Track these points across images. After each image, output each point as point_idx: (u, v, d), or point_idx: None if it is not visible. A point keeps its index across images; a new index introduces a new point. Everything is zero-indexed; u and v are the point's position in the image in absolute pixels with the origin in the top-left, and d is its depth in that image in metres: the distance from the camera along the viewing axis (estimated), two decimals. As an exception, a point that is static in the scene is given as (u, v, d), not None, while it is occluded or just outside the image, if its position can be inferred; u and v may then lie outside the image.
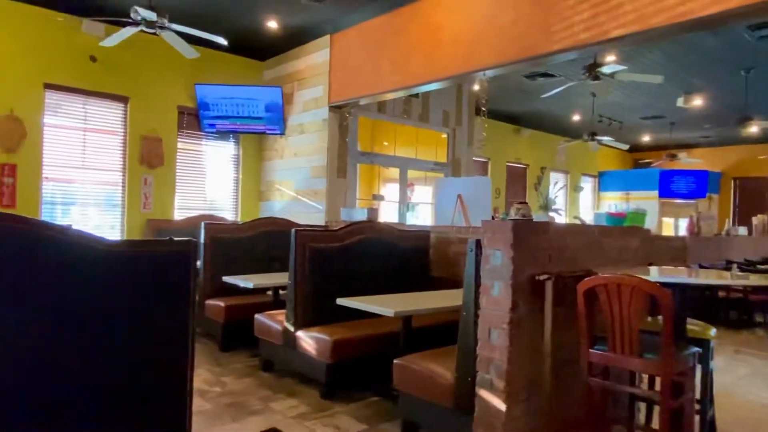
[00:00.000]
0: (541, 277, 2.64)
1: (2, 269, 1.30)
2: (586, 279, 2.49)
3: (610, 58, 6.44)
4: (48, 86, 5.90)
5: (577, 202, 13.34)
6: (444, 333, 3.48)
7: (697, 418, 2.86)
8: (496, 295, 2.62)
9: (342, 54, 6.06)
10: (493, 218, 7.10)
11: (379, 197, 7.31)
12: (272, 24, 6.09)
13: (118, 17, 5.09)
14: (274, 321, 4.05)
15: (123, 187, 6.45)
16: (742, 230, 9.94)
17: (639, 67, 6.94)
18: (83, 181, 6.24)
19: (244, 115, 6.81)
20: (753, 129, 8.73)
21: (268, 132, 6.99)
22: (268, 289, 4.62)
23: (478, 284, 2.74)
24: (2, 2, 5.56)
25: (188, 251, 1.57)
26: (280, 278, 4.31)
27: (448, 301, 3.59)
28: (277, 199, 7.13)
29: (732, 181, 13.44)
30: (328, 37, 6.28)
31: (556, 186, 12.01)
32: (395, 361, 3.11)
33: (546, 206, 10.27)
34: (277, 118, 6.84)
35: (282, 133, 6.94)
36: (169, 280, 1.56)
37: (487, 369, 2.63)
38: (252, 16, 5.96)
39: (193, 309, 1.61)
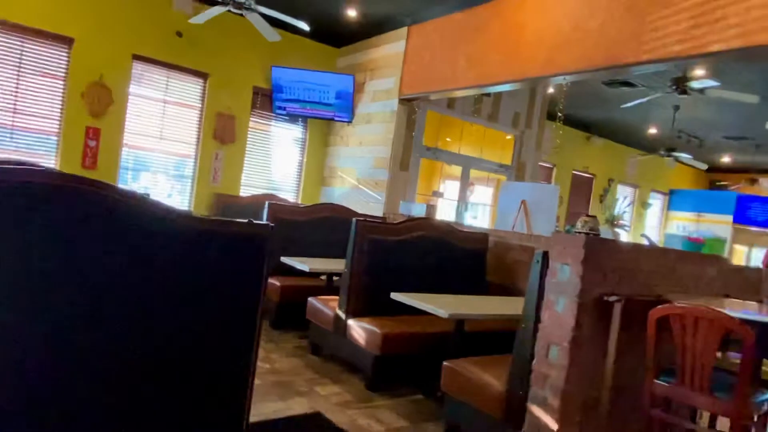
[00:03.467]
0: (611, 299, 2.53)
1: (86, 235, 1.33)
2: (660, 306, 2.36)
3: (701, 72, 6.06)
4: (136, 57, 6.19)
5: (644, 218, 12.73)
6: (495, 340, 3.42)
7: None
8: (560, 311, 2.54)
9: (418, 47, 6.01)
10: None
11: (438, 194, 7.25)
12: (352, 12, 6.12)
13: (208, -5, 5.26)
14: (326, 306, 4.10)
15: (195, 159, 6.71)
16: (827, 268, 9.18)
17: (732, 83, 6.49)
18: (158, 151, 6.53)
19: (315, 100, 6.91)
20: None
21: (336, 119, 7.06)
22: (323, 273, 4.68)
23: (540, 297, 2.66)
24: (102, -24, 5.88)
25: (266, 235, 1.59)
26: (336, 264, 4.36)
27: (503, 309, 3.52)
28: (338, 186, 7.21)
29: (818, 214, 12.41)
30: (405, 28, 6.24)
31: (625, 201, 11.49)
32: (445, 362, 3.08)
33: (612, 220, 9.87)
34: (347, 105, 6.89)
35: (350, 121, 7.00)
36: (243, 263, 1.59)
37: (542, 385, 2.55)
38: (333, 3, 6.01)
39: (264, 293, 1.64)
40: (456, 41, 5.46)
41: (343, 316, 3.87)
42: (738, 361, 2.20)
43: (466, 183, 7.19)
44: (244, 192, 7.06)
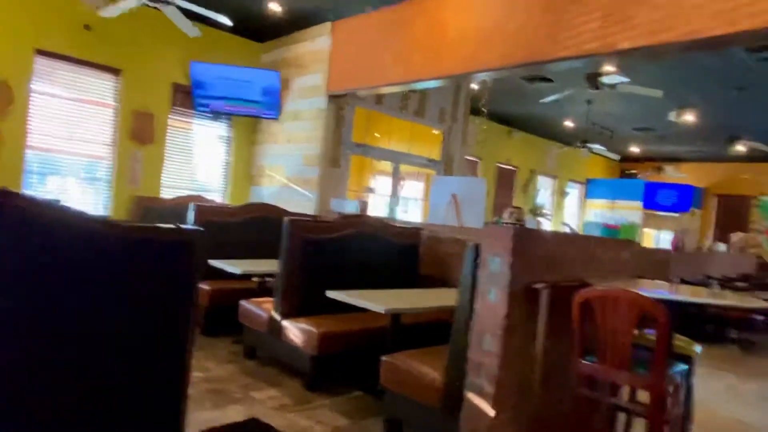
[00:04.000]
0: (538, 286, 2.64)
1: None
2: (582, 290, 2.49)
3: (611, 68, 6.47)
4: (39, 52, 5.72)
5: (563, 207, 13.46)
6: (430, 332, 3.48)
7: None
8: (492, 301, 2.62)
9: (343, 43, 5.98)
10: (482, 219, 7.13)
11: (370, 190, 7.28)
12: (275, 6, 5.98)
13: (118, -14, 4.95)
14: (260, 308, 4.01)
15: (111, 161, 6.30)
16: (722, 247, 10.16)
17: (638, 79, 6.98)
18: (68, 152, 6.08)
19: (239, 97, 6.70)
20: (740, 148, 8.90)
21: (263, 116, 6.89)
22: (255, 275, 4.56)
23: (474, 288, 2.73)
24: (-5, -39, 5.36)
25: (194, 241, 1.51)
26: (269, 265, 4.26)
27: (438, 301, 3.59)
28: (267, 185, 7.05)
29: (714, 198, 13.68)
30: (329, 24, 6.19)
31: (547, 191, 12.10)
32: (383, 358, 3.10)
33: (535, 210, 10.36)
34: (273, 102, 6.74)
35: (277, 118, 6.85)
36: (171, 270, 1.50)
37: (477, 373, 2.63)
38: (254, -4, 5.85)
39: (196, 301, 1.56)
40: (382, 38, 5.49)
41: (278, 317, 3.80)
42: (653, 338, 2.38)
43: (396, 178, 7.26)
44: (167, 194, 6.73)
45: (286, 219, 3.89)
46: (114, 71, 6.25)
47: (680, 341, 3.05)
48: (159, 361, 1.51)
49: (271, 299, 3.92)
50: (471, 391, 2.64)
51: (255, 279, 4.61)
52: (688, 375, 2.88)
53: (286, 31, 6.80)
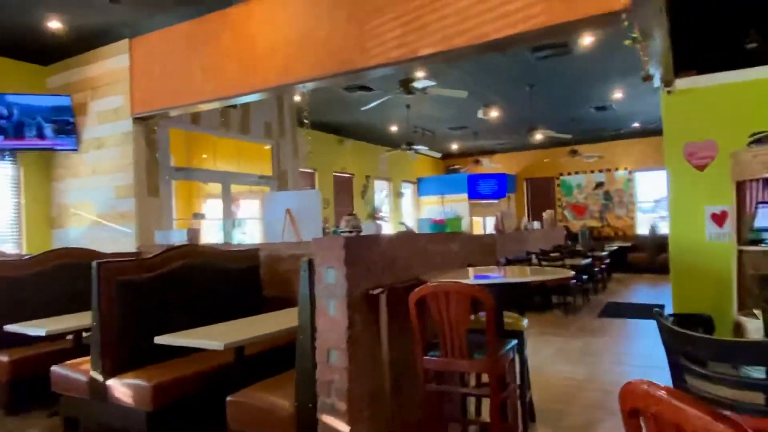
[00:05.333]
0: (375, 291, 2.63)
1: None
2: (416, 289, 2.53)
3: (421, 74, 6.89)
4: None
5: (400, 207, 14.10)
6: (281, 357, 3.29)
7: (517, 402, 3.13)
8: (333, 314, 2.54)
9: (145, 60, 5.46)
10: (323, 230, 7.09)
11: (199, 216, 6.77)
12: (55, 24, 5.24)
13: None
14: (77, 371, 3.42)
15: None
16: (536, 224, 11.51)
17: (446, 82, 7.55)
18: None
19: (23, 129, 5.73)
20: (538, 136, 10.15)
21: (57, 148, 5.99)
22: (67, 334, 3.91)
23: (313, 305, 2.63)
24: None
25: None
26: (83, 320, 3.68)
27: (284, 323, 3.41)
28: (75, 226, 6.15)
29: (525, 182, 15.50)
30: (126, 41, 5.61)
31: (382, 194, 12.55)
32: (228, 398, 2.83)
33: (373, 214, 10.64)
34: (68, 131, 5.90)
35: (76, 149, 6.01)
36: None
37: (327, 393, 2.52)
38: (30, 14, 5.05)
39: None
40: (188, 53, 5.12)
41: (100, 377, 3.28)
42: (486, 321, 2.50)
43: (228, 200, 6.87)
44: (-60, 254, 5.49)
45: (94, 263, 3.38)
46: None
47: (510, 318, 3.29)
48: None
49: (89, 358, 3.37)
50: (324, 412, 2.52)
51: (69, 338, 3.96)
52: (520, 349, 3.11)
53: (76, 51, 6.01)
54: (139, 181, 5.53)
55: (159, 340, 3.05)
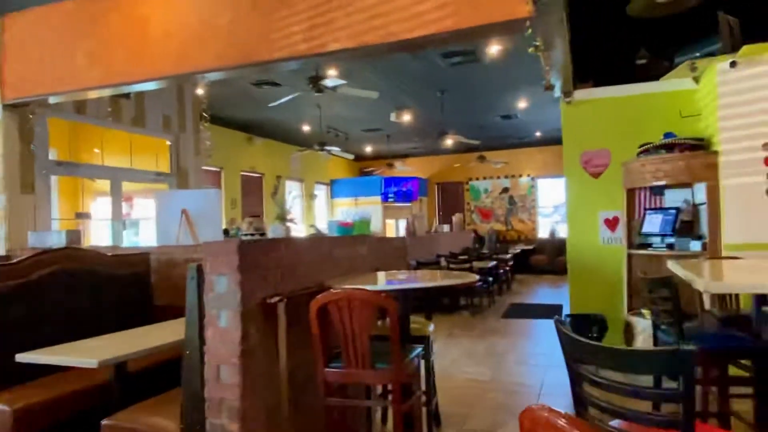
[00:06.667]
0: (273, 300, 2.43)
1: None
2: (318, 296, 2.37)
3: (332, 72, 6.73)
4: None
5: (313, 209, 13.82)
6: (169, 373, 2.99)
7: (423, 409, 3.06)
8: (224, 325, 2.31)
9: (20, 40, 4.83)
10: (226, 231, 6.70)
11: (84, 216, 6.12)
12: None
13: None
14: None
15: None
16: (446, 228, 11.75)
17: (358, 83, 7.44)
18: None
19: None
20: (448, 142, 10.37)
21: None
22: None
23: (202, 316, 2.38)
24: None
25: None
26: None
27: (174, 335, 3.10)
28: (-70, 226, 5.31)
29: (436, 186, 15.83)
30: (-2, 17, 4.93)
31: (291, 195, 12.21)
32: (103, 422, 2.50)
33: (282, 216, 10.25)
34: (-77, 117, 5.07)
35: (-67, 138, 5.19)
36: None
37: (218, 413, 2.29)
38: None
39: None
40: (72, 35, 4.58)
41: (-55, 405, 2.78)
42: (391, 329, 2.38)
43: (118, 198, 6.27)
44: None
45: (-61, 270, 2.88)
46: None
47: (416, 323, 3.22)
48: None
49: (-68, 383, 2.86)
50: (213, 434, 2.28)
51: None
52: (425, 354, 3.04)
53: (-67, 24, 5.20)
54: (10, 176, 4.87)
55: (20, 358, 2.64)
